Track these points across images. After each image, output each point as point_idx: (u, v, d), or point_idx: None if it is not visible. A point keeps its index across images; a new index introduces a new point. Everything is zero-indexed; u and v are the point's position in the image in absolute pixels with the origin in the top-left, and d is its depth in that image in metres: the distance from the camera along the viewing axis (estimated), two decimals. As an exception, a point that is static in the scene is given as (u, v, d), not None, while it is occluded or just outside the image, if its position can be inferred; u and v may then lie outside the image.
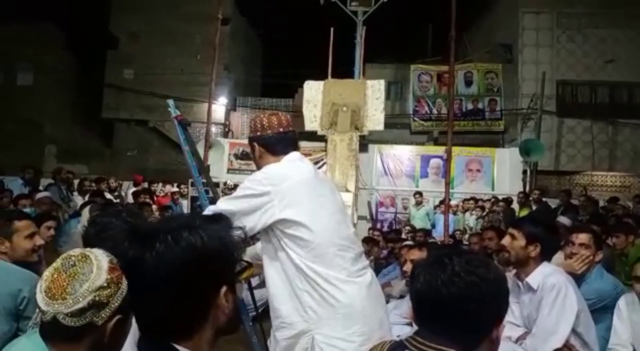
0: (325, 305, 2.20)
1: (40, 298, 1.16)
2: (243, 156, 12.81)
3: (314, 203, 2.27)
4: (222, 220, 1.13)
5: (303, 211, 2.22)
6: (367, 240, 7.28)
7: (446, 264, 1.27)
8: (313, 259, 2.21)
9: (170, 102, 3.03)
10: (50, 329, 1.17)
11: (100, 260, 1.17)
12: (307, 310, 2.21)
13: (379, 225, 11.92)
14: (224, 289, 1.08)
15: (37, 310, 1.21)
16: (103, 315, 1.15)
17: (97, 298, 1.14)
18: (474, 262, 1.27)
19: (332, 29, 10.61)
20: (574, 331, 2.47)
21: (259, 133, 2.41)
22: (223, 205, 2.32)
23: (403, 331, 3.24)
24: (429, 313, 1.28)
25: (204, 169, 3.22)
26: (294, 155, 2.39)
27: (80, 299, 1.13)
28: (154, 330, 1.06)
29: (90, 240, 2.21)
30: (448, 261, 1.27)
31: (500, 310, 1.29)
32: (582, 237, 3.12)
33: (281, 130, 2.40)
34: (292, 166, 2.34)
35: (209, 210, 2.34)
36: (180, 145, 2.91)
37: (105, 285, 1.14)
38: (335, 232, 2.29)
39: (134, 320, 1.17)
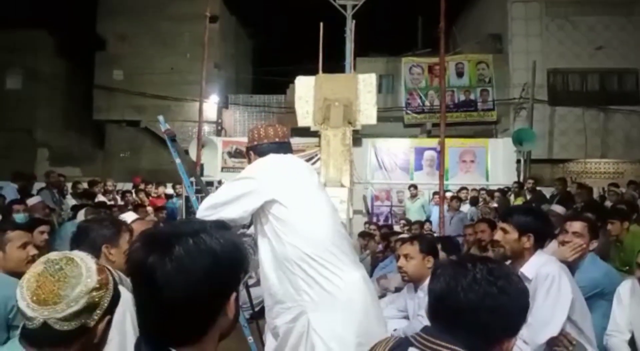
0: (321, 291, 2.23)
1: (24, 305, 1.13)
2: (236, 154, 12.79)
3: (308, 191, 2.39)
4: (229, 226, 1.11)
5: (296, 196, 2.32)
6: (363, 234, 7.29)
7: (469, 270, 1.27)
8: (309, 246, 2.25)
9: (161, 118, 3.21)
10: (39, 335, 1.14)
11: (86, 261, 1.16)
12: (302, 294, 2.25)
13: (374, 219, 11.94)
14: (234, 295, 1.06)
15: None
16: (95, 316, 1.15)
17: (90, 300, 1.13)
18: (495, 272, 1.27)
19: (321, 24, 10.59)
20: (569, 319, 2.47)
21: (255, 143, 2.55)
22: (216, 194, 2.42)
23: (400, 325, 3.24)
24: (443, 314, 1.29)
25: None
26: (281, 156, 2.52)
27: (75, 302, 1.12)
28: (160, 335, 1.02)
29: (80, 243, 2.21)
30: (471, 267, 1.28)
31: (514, 325, 1.28)
32: (576, 226, 3.12)
33: (277, 140, 2.53)
34: (282, 157, 2.48)
35: (206, 200, 2.42)
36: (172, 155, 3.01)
37: (98, 286, 1.14)
38: (331, 219, 2.40)
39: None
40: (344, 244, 2.39)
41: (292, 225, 2.27)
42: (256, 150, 2.52)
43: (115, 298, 1.20)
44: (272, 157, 2.46)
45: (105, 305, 1.16)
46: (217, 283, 1.02)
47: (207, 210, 2.34)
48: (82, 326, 1.14)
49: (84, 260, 1.16)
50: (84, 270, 1.14)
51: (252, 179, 2.34)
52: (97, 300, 1.13)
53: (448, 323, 1.26)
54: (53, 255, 1.20)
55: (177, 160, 3.00)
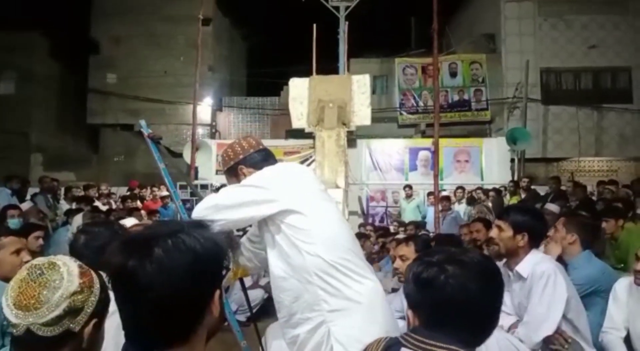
0: (342, 298, 2.18)
1: (8, 312, 1.13)
2: (231, 156, 12.74)
3: (320, 197, 2.34)
4: (207, 225, 1.11)
5: (312, 205, 2.25)
6: (358, 236, 7.28)
7: (440, 267, 1.28)
8: (330, 253, 2.19)
9: (142, 122, 3.19)
10: (25, 342, 1.13)
11: (69, 265, 1.15)
12: (321, 303, 2.19)
13: (370, 220, 11.95)
14: (217, 292, 1.07)
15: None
16: (79, 320, 1.13)
17: (72, 304, 1.12)
18: (468, 266, 1.27)
19: (314, 26, 10.60)
20: (564, 317, 2.48)
21: (241, 156, 2.44)
22: (219, 196, 2.34)
23: (398, 325, 3.24)
24: (428, 312, 1.29)
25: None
26: (283, 164, 2.51)
27: (55, 307, 1.11)
28: (148, 338, 1.02)
29: (78, 249, 2.19)
30: (440, 261, 1.29)
31: (492, 312, 1.30)
32: (562, 220, 3.15)
33: (261, 148, 2.48)
34: (290, 166, 2.47)
35: (206, 200, 2.34)
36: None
37: (79, 290, 1.13)
38: (344, 224, 2.38)
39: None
40: (358, 248, 2.37)
41: (313, 234, 2.20)
42: (246, 162, 2.42)
43: (104, 301, 1.19)
44: (279, 167, 2.39)
45: (90, 308, 1.15)
46: (200, 281, 1.02)
47: (206, 209, 2.27)
48: (67, 331, 1.13)
49: (67, 264, 1.16)
50: (65, 274, 1.14)
51: (264, 189, 2.24)
52: (79, 304, 1.13)
53: (433, 321, 1.27)
54: (38, 260, 1.19)
55: (162, 165, 2.96)
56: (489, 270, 1.28)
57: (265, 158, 2.44)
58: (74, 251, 2.22)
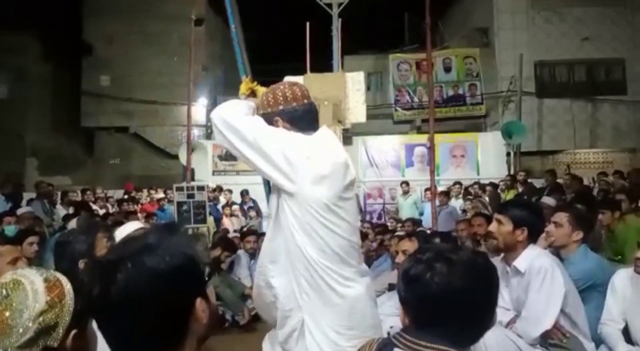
0: (324, 297, 2.12)
1: None
2: (227, 157, 12.71)
3: (335, 204, 2.13)
4: (177, 228, 1.10)
5: (323, 206, 2.09)
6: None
7: (424, 261, 1.27)
8: (320, 255, 2.10)
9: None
10: None
11: (34, 282, 1.11)
12: (302, 294, 2.13)
13: (368, 217, 11.95)
14: (198, 301, 1.05)
15: None
16: (55, 336, 1.11)
17: (42, 324, 1.09)
18: (455, 264, 1.26)
19: (307, 24, 10.56)
20: (562, 312, 2.49)
21: (281, 107, 2.17)
22: (250, 126, 2.10)
23: (397, 322, 3.24)
24: (420, 312, 1.28)
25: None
26: (325, 132, 2.24)
27: (25, 330, 1.08)
28: None
29: (56, 257, 2.24)
30: (429, 257, 1.28)
31: (486, 311, 1.28)
32: (556, 216, 3.14)
33: (305, 101, 2.21)
34: (329, 150, 2.16)
35: (235, 116, 2.11)
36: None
37: (47, 308, 1.10)
38: (349, 232, 2.20)
39: None
40: (354, 252, 2.24)
41: (309, 228, 2.09)
42: (284, 114, 2.15)
43: (81, 309, 1.17)
44: (320, 147, 2.12)
45: (65, 322, 1.12)
46: (170, 298, 1.01)
47: (225, 124, 2.08)
48: (46, 348, 1.11)
49: (33, 281, 1.12)
50: (30, 294, 1.10)
51: (292, 165, 2.05)
52: (51, 321, 1.10)
53: (421, 319, 1.26)
54: (4, 277, 1.16)
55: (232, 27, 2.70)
56: (479, 269, 1.26)
57: (306, 115, 2.19)
58: (55, 258, 2.30)
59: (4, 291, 1.12)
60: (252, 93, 2.49)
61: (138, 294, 0.97)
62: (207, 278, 1.14)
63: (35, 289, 1.11)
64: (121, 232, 3.02)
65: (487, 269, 1.29)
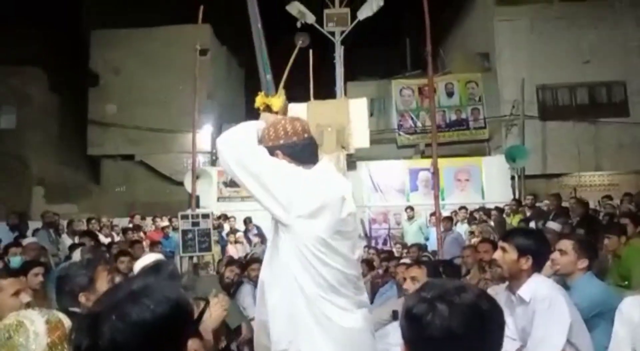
0: (320, 325, 2.11)
1: None
2: (232, 183, 12.75)
3: (332, 237, 2.14)
4: (160, 268, 1.11)
5: (318, 240, 2.11)
6: (362, 262, 7.24)
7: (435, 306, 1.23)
8: (320, 284, 2.11)
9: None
10: None
11: (36, 324, 1.13)
12: (300, 330, 2.11)
13: (373, 242, 11.90)
14: (189, 343, 1.06)
15: None
16: None
17: None
18: (457, 308, 1.22)
19: (310, 51, 10.70)
20: (568, 342, 2.45)
21: (282, 141, 2.23)
22: (251, 154, 2.15)
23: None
24: (413, 347, 1.26)
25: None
26: (324, 165, 2.28)
27: None
28: None
29: (57, 291, 2.28)
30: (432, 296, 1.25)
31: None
32: (561, 244, 3.12)
33: (306, 136, 2.27)
34: (327, 186, 2.18)
35: (240, 145, 2.18)
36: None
37: (48, 350, 1.11)
38: (353, 259, 2.23)
39: None
40: (350, 284, 2.22)
41: (305, 260, 2.10)
42: (285, 149, 2.21)
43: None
44: (318, 183, 2.16)
45: None
46: (159, 345, 1.01)
47: (227, 151, 2.17)
48: None
49: (35, 323, 1.13)
50: (32, 336, 1.12)
51: (288, 198, 2.09)
52: None
53: None
54: (7, 319, 1.17)
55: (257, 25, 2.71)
56: (480, 315, 1.23)
57: (306, 149, 2.25)
58: (56, 293, 2.40)
59: (6, 333, 1.13)
60: (267, 108, 2.52)
61: (126, 346, 0.97)
62: (200, 316, 1.15)
63: (37, 331, 1.12)
64: (138, 265, 3.03)
65: (490, 315, 1.25)
